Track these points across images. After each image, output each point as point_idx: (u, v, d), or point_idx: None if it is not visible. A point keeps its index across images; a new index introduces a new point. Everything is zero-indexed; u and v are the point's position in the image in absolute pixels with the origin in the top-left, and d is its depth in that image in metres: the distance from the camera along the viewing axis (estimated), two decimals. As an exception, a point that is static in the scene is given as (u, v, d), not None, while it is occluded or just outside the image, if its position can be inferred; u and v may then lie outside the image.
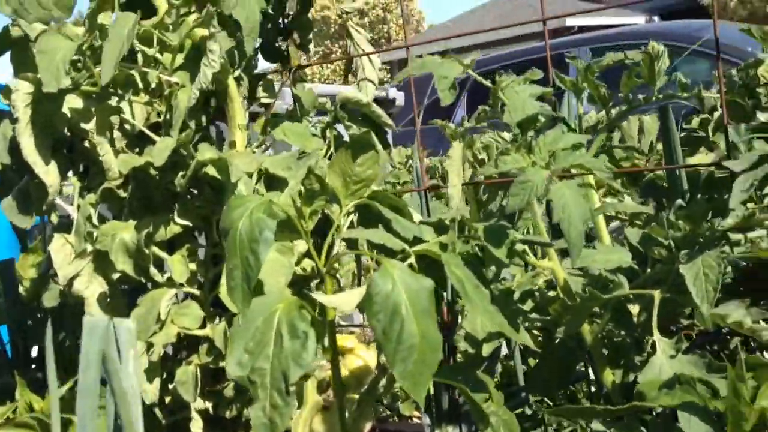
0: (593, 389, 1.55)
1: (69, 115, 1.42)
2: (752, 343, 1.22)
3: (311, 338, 0.95)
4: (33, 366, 1.84)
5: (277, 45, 1.67)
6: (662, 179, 1.89)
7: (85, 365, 0.69)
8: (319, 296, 1.00)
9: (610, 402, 1.23)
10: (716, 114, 1.73)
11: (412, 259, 1.02)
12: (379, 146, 1.59)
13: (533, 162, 0.99)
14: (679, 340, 1.00)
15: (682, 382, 0.85)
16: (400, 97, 3.00)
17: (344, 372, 1.81)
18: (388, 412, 2.41)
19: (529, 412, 2.06)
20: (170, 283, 1.38)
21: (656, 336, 1.00)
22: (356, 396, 1.59)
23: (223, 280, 1.40)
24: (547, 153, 1.00)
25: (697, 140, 1.70)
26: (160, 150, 1.28)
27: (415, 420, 2.43)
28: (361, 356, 1.75)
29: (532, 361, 2.05)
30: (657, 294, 1.02)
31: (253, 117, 1.62)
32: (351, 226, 1.09)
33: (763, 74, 1.43)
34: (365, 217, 1.09)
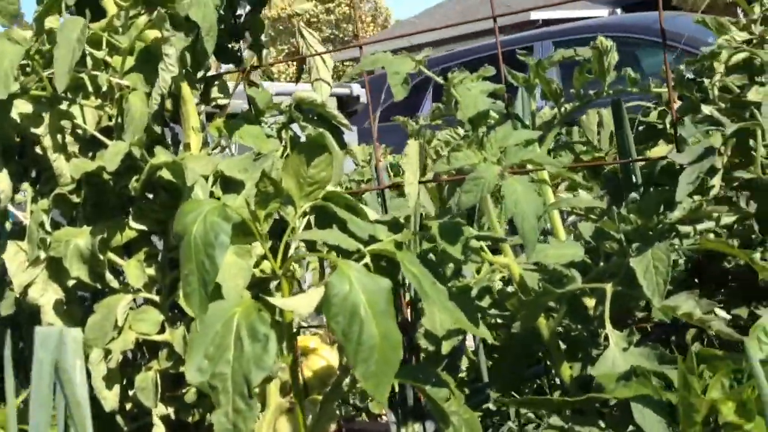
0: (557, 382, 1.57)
1: (18, 120, 1.40)
2: (707, 334, 1.25)
3: (272, 340, 0.95)
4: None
5: (229, 46, 1.66)
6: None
7: (38, 376, 0.69)
8: (275, 300, 1.00)
9: (569, 396, 1.24)
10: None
11: (367, 259, 1.02)
12: (335, 147, 1.60)
13: (484, 158, 1.00)
14: (631, 332, 1.01)
15: (638, 374, 0.86)
16: (364, 94, 3.01)
17: (307, 373, 1.81)
18: (357, 411, 2.42)
19: (494, 407, 2.08)
20: (127, 288, 1.37)
21: (609, 329, 1.01)
22: (320, 397, 1.58)
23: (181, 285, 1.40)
24: (498, 149, 1.00)
25: (655, 133, 1.72)
26: (113, 155, 1.27)
27: (384, 419, 2.43)
28: (324, 356, 1.75)
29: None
30: (609, 287, 1.04)
31: (210, 117, 1.61)
32: (308, 227, 1.09)
33: (717, 66, 1.45)
34: (321, 219, 1.09)
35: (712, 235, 1.01)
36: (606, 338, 1.03)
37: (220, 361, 0.96)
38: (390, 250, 1.01)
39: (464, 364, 2.09)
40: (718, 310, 1.08)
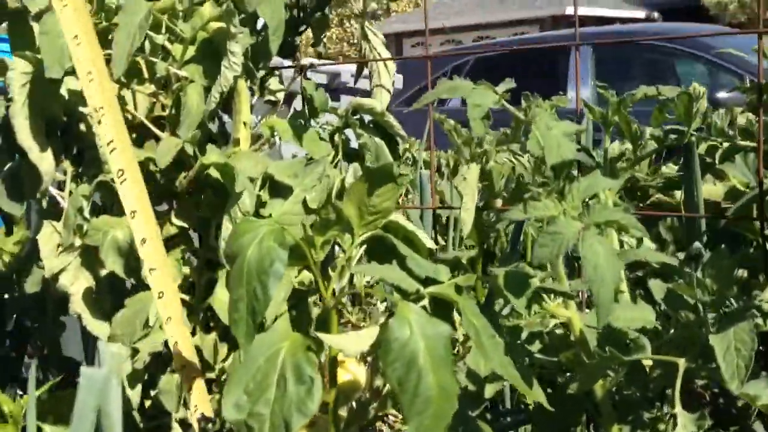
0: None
1: (67, 97, 1.34)
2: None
3: (317, 385, 0.88)
4: (6, 341, 1.77)
5: (289, 39, 1.60)
6: (663, 203, 1.83)
7: (79, 420, 0.63)
8: (326, 337, 0.94)
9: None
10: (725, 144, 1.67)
11: (425, 302, 0.95)
12: (390, 158, 1.53)
13: (564, 211, 0.93)
14: (702, 416, 0.94)
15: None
16: (398, 80, 2.92)
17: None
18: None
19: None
20: (161, 285, 1.31)
21: (678, 410, 0.95)
22: (343, 412, 1.53)
23: (218, 289, 1.34)
24: (581, 202, 0.93)
25: (702, 167, 1.64)
26: (167, 149, 1.21)
27: (391, 417, 2.38)
28: (350, 370, 1.69)
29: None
30: (682, 363, 0.97)
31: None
32: (361, 258, 1.02)
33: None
34: (376, 249, 1.02)
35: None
36: (672, 417, 0.96)
37: (260, 401, 0.90)
38: (452, 296, 0.95)
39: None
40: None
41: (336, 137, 1.53)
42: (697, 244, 1.39)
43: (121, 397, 0.75)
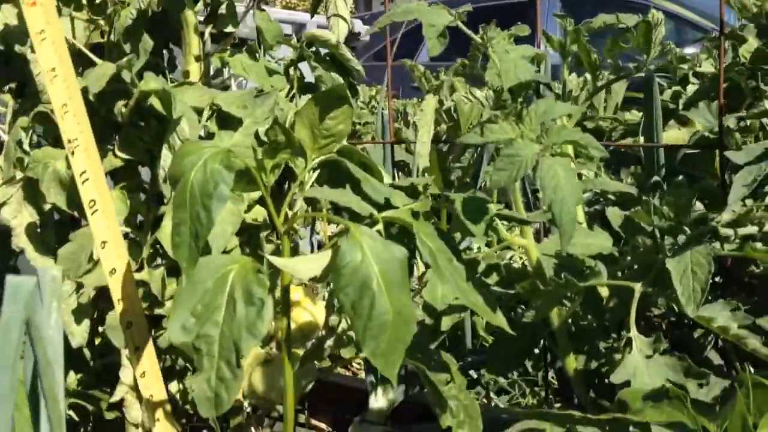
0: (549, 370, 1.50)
1: (2, 27, 1.27)
2: (719, 339, 1.18)
3: (268, 306, 0.85)
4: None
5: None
6: (627, 146, 1.82)
7: (4, 333, 0.59)
8: (277, 260, 0.90)
9: (567, 387, 1.17)
10: (690, 87, 1.66)
11: (380, 226, 0.92)
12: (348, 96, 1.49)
13: (522, 134, 0.90)
14: (658, 339, 0.93)
15: (671, 396, 0.78)
16: (365, 31, 2.86)
17: (291, 325, 1.73)
18: (333, 362, 2.35)
19: (474, 375, 2.01)
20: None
21: (633, 333, 0.93)
22: (300, 351, 1.51)
23: (165, 222, 1.29)
24: (539, 125, 0.90)
25: (666, 112, 1.63)
26: (98, 76, 1.15)
27: (355, 364, 2.37)
28: (308, 309, 1.66)
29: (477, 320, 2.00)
30: (638, 288, 0.95)
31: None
32: (314, 183, 0.99)
33: (743, 54, 1.35)
34: (332, 175, 0.98)
35: (759, 245, 0.92)
36: (626, 341, 0.95)
37: (208, 322, 0.87)
38: (406, 219, 0.92)
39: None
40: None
41: (290, 71, 1.48)
42: (656, 177, 1.38)
43: (60, 321, 0.71)
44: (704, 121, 1.49)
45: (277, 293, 1.04)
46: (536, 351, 1.55)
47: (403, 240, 0.95)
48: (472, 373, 1.92)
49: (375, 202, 0.96)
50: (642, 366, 0.90)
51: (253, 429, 1.65)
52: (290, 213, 0.96)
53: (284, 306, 0.98)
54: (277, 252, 1.24)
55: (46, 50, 1.13)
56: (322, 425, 1.91)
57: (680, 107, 1.60)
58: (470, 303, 0.89)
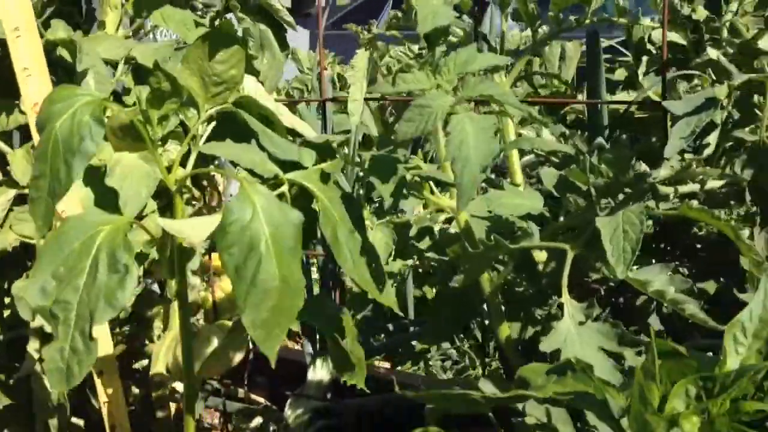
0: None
1: None
2: (659, 306, 1.12)
3: (131, 275, 0.76)
4: None
5: None
6: (579, 112, 1.76)
7: None
8: (163, 221, 0.82)
9: (504, 357, 1.11)
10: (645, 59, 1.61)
11: (284, 188, 0.84)
12: (274, 45, 1.40)
13: (438, 84, 0.82)
14: (591, 305, 0.87)
15: (576, 368, 0.71)
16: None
17: (219, 294, 1.65)
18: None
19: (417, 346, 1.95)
20: (11, 182, 1.17)
21: (565, 298, 0.87)
22: (230, 322, 1.42)
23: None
24: (456, 75, 0.83)
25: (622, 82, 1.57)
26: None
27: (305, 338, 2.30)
28: (236, 280, 1.59)
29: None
30: (570, 249, 0.89)
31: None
32: (211, 138, 0.90)
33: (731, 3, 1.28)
34: (230, 129, 0.90)
35: (695, 202, 0.86)
36: (559, 305, 0.89)
37: (69, 287, 0.77)
38: (311, 182, 0.84)
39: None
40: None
41: (216, 23, 1.38)
42: (599, 138, 1.31)
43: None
44: (657, 88, 1.43)
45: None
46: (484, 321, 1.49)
47: (310, 201, 0.87)
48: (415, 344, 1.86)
49: (279, 160, 0.87)
50: (573, 333, 0.84)
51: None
52: (183, 171, 0.88)
53: (180, 271, 0.89)
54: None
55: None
56: (261, 399, 1.84)
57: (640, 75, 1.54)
58: (359, 278, 0.82)
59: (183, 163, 0.86)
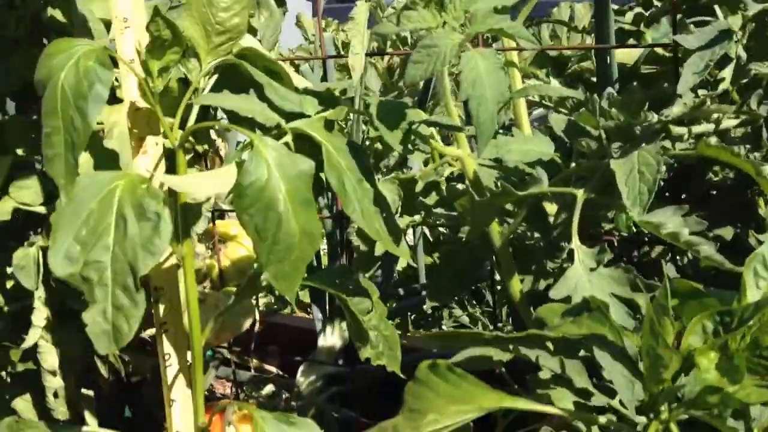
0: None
1: None
2: (677, 253, 1.09)
3: (165, 219, 0.74)
4: None
5: None
6: (587, 71, 1.72)
7: None
8: (165, 177, 0.79)
9: (517, 318, 1.09)
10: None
11: (288, 138, 0.81)
12: (272, 3, 1.37)
13: (444, 22, 0.79)
14: (602, 250, 0.84)
15: (592, 308, 0.69)
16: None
17: (225, 262, 1.63)
18: (282, 302, 2.26)
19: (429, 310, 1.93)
20: (7, 148, 1.15)
21: (575, 243, 0.84)
22: (235, 288, 1.40)
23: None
24: (463, 13, 0.79)
25: (625, 35, 1.53)
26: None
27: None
28: (244, 245, 1.56)
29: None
30: (580, 194, 0.85)
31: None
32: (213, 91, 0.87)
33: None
34: (232, 82, 0.87)
35: (714, 139, 0.83)
36: (569, 253, 0.86)
37: (96, 247, 0.75)
38: (316, 130, 0.81)
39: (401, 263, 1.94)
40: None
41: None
42: (608, 89, 1.27)
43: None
44: (666, 40, 1.39)
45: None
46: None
47: (315, 153, 0.84)
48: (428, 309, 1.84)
49: (282, 110, 0.85)
50: (584, 279, 0.81)
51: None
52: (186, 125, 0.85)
53: (185, 230, 0.87)
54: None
55: None
56: (272, 368, 1.83)
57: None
58: (370, 230, 0.80)
59: (184, 118, 0.83)
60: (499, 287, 1.45)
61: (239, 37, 0.83)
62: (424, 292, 1.86)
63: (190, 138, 1.02)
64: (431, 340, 0.85)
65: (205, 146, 1.39)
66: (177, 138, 0.83)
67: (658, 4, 1.56)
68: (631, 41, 1.49)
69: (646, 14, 1.55)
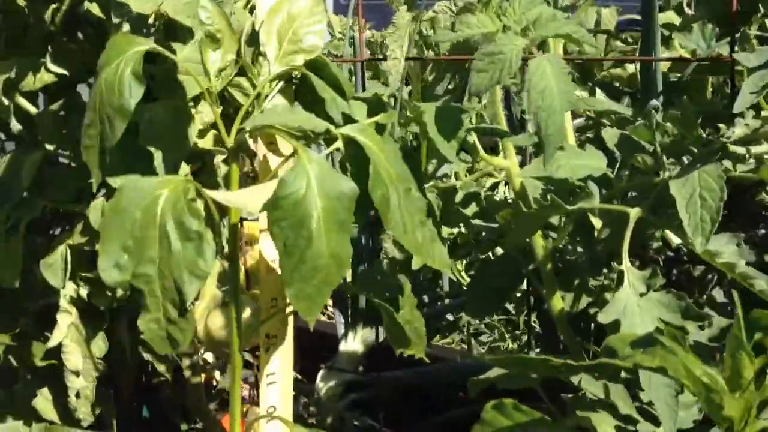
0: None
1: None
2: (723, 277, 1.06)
3: (208, 240, 0.73)
4: None
5: None
6: (615, 78, 1.69)
7: None
8: (215, 193, 0.77)
9: (551, 331, 1.05)
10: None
11: (339, 144, 0.79)
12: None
13: (505, 26, 0.75)
14: (654, 274, 0.81)
15: (664, 342, 0.65)
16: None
17: (251, 263, 1.60)
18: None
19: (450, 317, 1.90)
20: (38, 143, 1.13)
21: (626, 265, 0.81)
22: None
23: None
24: (523, 17, 0.76)
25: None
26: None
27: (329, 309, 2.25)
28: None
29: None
30: (634, 212, 0.82)
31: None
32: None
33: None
34: (297, 93, 0.85)
35: (776, 162, 0.80)
36: (618, 275, 0.83)
37: (143, 260, 0.75)
38: (367, 135, 0.78)
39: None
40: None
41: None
42: (653, 101, 1.24)
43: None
44: (694, 46, 1.36)
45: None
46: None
47: (363, 162, 0.81)
48: (449, 317, 1.81)
49: (334, 120, 0.82)
50: (633, 304, 0.78)
51: (218, 373, 1.54)
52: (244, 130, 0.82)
53: (232, 240, 0.84)
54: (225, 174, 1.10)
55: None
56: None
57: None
58: (412, 245, 0.77)
59: (242, 123, 0.81)
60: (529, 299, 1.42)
61: (313, 53, 0.81)
62: (447, 300, 1.83)
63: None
64: (499, 364, 0.82)
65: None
66: (234, 142, 0.81)
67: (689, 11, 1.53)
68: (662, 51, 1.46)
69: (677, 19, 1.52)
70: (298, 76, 0.87)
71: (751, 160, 0.82)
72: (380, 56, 1.34)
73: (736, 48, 0.97)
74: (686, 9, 1.56)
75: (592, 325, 1.05)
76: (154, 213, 0.75)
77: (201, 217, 0.76)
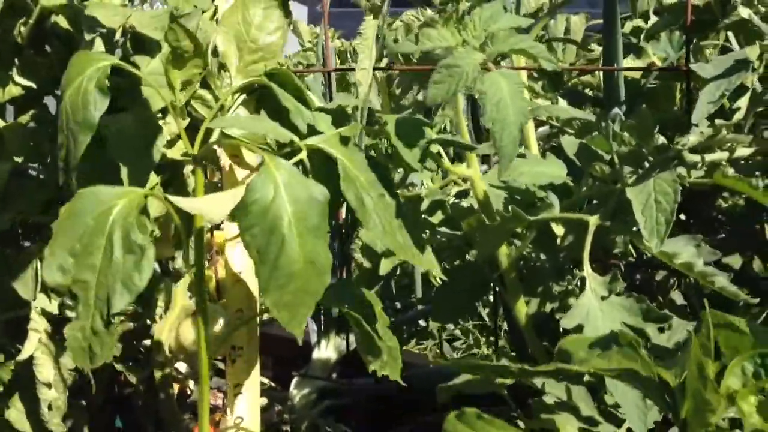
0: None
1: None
2: (683, 281, 1.08)
3: (148, 258, 0.73)
4: None
5: None
6: (586, 85, 1.72)
7: None
8: (178, 200, 0.78)
9: (520, 335, 1.07)
10: (651, 21, 1.56)
11: (303, 155, 0.80)
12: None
13: (464, 41, 0.77)
14: (614, 278, 0.83)
15: (621, 343, 0.67)
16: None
17: (222, 273, 1.61)
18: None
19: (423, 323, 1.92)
20: (6, 154, 1.13)
21: (587, 271, 0.83)
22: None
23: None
24: (483, 32, 0.78)
25: (625, 47, 1.52)
26: (-8, -13, 1.01)
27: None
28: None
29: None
30: (593, 220, 0.85)
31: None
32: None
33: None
34: (260, 105, 0.86)
35: (731, 170, 0.82)
36: (581, 280, 0.85)
37: (85, 266, 0.75)
38: (332, 147, 0.79)
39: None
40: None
41: (217, -9, 1.33)
42: (615, 109, 1.26)
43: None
44: (664, 54, 1.39)
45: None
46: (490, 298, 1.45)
47: (329, 171, 0.82)
48: (422, 323, 1.82)
49: (300, 131, 0.83)
50: (596, 308, 0.80)
51: (191, 383, 1.54)
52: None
53: (198, 254, 0.85)
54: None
55: None
56: (265, 380, 1.81)
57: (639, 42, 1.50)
58: (393, 245, 0.78)
59: (206, 135, 0.82)
60: (499, 304, 1.44)
61: (274, 58, 0.81)
62: (420, 306, 1.85)
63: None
64: (460, 369, 0.84)
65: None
66: (199, 153, 0.82)
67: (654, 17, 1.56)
68: (632, 58, 1.48)
69: (645, 27, 1.55)
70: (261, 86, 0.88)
71: (705, 167, 0.85)
72: (348, 66, 1.36)
73: (691, 59, 1.00)
74: (652, 16, 1.59)
75: (562, 329, 1.07)
76: (105, 222, 0.75)
77: (147, 231, 0.75)
